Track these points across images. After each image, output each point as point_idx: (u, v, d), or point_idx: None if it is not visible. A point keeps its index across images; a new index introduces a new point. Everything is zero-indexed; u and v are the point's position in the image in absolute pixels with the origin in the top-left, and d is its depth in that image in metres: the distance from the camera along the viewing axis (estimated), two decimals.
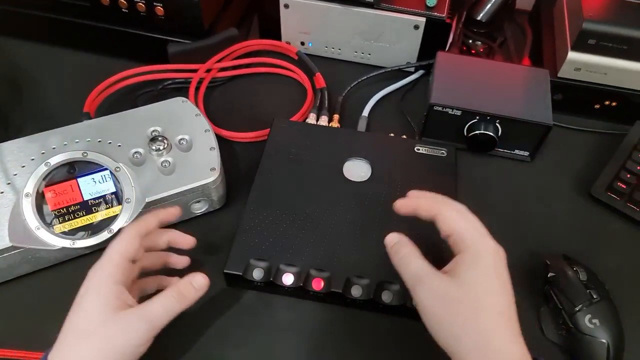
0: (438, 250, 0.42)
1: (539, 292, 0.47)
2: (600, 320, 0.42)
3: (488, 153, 0.57)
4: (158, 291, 0.39)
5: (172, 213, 0.45)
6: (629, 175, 0.53)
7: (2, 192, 0.46)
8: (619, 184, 0.53)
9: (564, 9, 0.61)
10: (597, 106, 0.60)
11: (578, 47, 0.56)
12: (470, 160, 0.57)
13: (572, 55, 0.57)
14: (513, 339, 0.33)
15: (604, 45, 0.55)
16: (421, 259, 0.37)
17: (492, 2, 0.68)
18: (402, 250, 0.38)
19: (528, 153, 0.57)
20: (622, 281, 0.47)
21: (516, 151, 0.57)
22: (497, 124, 0.54)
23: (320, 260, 0.46)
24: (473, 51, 0.68)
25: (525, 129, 0.54)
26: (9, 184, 0.46)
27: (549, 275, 0.46)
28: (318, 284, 0.44)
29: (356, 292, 0.44)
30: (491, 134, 0.54)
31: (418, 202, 0.40)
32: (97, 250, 0.48)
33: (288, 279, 0.44)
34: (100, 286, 0.37)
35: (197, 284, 0.39)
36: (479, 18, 0.69)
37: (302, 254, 0.46)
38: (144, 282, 0.43)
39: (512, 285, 0.35)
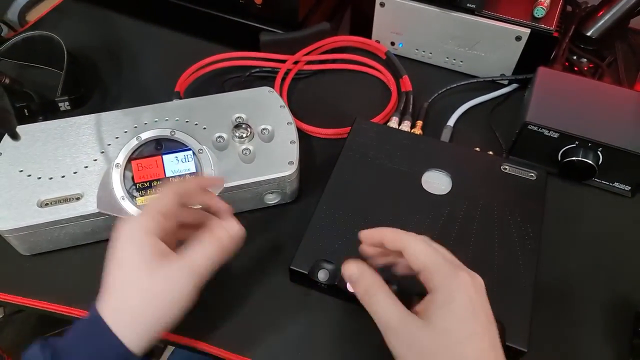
0: None
1: (626, 346, 0.42)
2: None
3: (583, 182, 0.53)
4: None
5: (215, 180, 0.43)
6: None
7: (95, 160, 0.48)
8: None
9: None
10: None
11: None
12: (561, 187, 0.53)
13: None
14: None
15: None
16: (391, 300, 0.33)
17: (606, 18, 0.63)
18: (369, 287, 0.34)
19: (630, 188, 0.52)
20: None
21: (616, 184, 0.52)
22: (598, 152, 0.50)
23: (387, 272, 0.44)
24: (577, 69, 0.63)
25: (630, 160, 0.49)
26: (102, 152, 0.49)
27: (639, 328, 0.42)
28: None
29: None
30: (591, 162, 0.50)
31: (383, 232, 0.37)
32: None
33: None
34: (133, 239, 0.36)
35: (233, 231, 0.37)
36: (588, 34, 0.63)
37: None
38: (183, 233, 0.40)
39: (596, 335, 0.31)
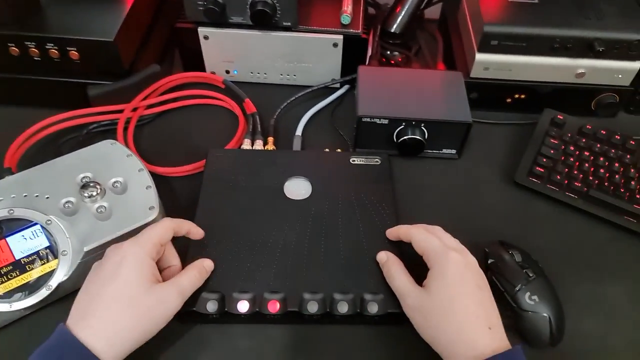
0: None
1: None
2: (539, 296, 0.45)
3: (418, 156, 0.60)
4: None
5: (200, 233, 0.48)
6: (544, 160, 0.58)
7: None
8: (537, 168, 0.57)
9: (467, 15, 0.66)
10: (508, 100, 0.66)
11: (483, 48, 0.60)
12: (404, 164, 0.60)
13: (479, 56, 0.61)
14: (484, 331, 0.39)
15: (505, 45, 0.60)
16: (404, 275, 0.44)
17: (403, 14, 0.73)
18: (387, 265, 0.45)
19: (455, 151, 0.61)
20: (553, 257, 0.51)
21: (444, 150, 0.61)
22: (422, 128, 0.57)
23: (273, 282, 0.46)
24: (392, 62, 0.72)
25: (448, 129, 0.58)
26: None
27: (489, 262, 0.49)
28: (274, 307, 0.44)
29: (312, 307, 0.44)
30: (419, 137, 0.57)
31: (399, 229, 0.48)
32: (38, 310, 0.46)
33: (243, 307, 0.44)
34: (138, 259, 0.40)
35: (208, 266, 0.45)
36: (392, 30, 0.73)
37: (253, 279, 0.46)
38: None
39: None
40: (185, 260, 0.46)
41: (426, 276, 0.43)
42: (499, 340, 0.39)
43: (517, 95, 0.65)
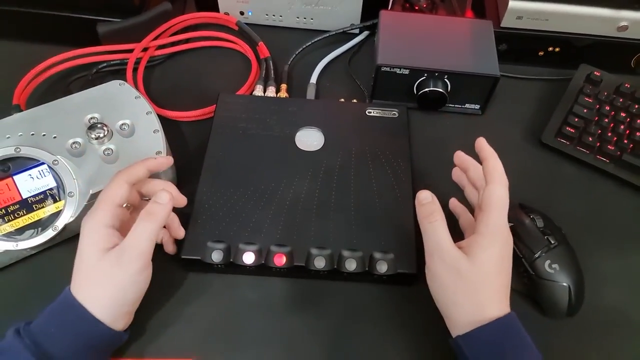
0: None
1: None
2: (560, 264, 0.43)
3: (439, 110, 0.57)
4: None
5: (161, 162, 0.44)
6: (576, 119, 0.54)
7: None
8: (567, 128, 0.54)
9: None
10: (541, 53, 0.61)
11: None
12: (423, 118, 0.57)
13: (512, 3, 0.56)
14: (503, 309, 0.38)
15: None
16: (446, 231, 0.40)
17: None
18: (435, 216, 0.40)
19: (479, 106, 0.57)
20: (577, 224, 0.48)
21: (467, 105, 0.57)
22: (445, 80, 0.54)
23: (280, 235, 0.45)
24: (417, 7, 0.67)
25: (473, 82, 0.54)
26: None
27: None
28: (280, 260, 0.43)
29: (319, 263, 0.43)
30: (441, 90, 0.54)
31: (492, 159, 0.41)
32: (47, 249, 0.46)
33: (249, 258, 0.43)
34: (91, 231, 0.39)
35: (161, 199, 0.40)
36: None
37: (260, 230, 0.45)
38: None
39: None
40: (188, 225, 0.45)
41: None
42: (505, 306, 0.38)
43: (550, 48, 0.60)
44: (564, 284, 0.43)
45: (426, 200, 0.40)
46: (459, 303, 0.38)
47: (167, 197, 0.40)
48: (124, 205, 0.42)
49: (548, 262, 0.43)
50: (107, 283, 0.38)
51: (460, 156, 0.45)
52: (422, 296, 0.41)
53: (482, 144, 0.42)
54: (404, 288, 0.45)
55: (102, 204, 0.40)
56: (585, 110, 0.54)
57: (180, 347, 0.42)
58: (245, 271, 0.45)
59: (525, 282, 0.44)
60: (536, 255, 0.43)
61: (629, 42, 0.58)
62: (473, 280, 0.38)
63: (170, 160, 0.45)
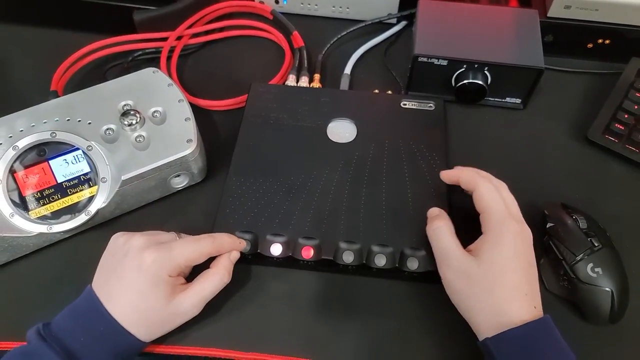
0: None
1: (539, 244, 0.45)
2: (603, 268, 0.41)
3: (478, 103, 0.54)
4: None
5: (241, 246, 0.44)
6: (626, 116, 0.51)
7: None
8: (616, 125, 0.51)
9: None
10: (589, 45, 0.57)
11: None
12: (461, 112, 0.55)
13: None
14: (527, 309, 0.36)
15: None
16: (452, 236, 0.40)
17: None
18: (437, 223, 0.41)
19: (520, 100, 0.55)
20: (624, 226, 0.46)
21: (507, 99, 0.55)
22: (485, 72, 0.51)
23: (309, 227, 0.44)
24: None
25: (515, 74, 0.52)
26: None
27: (547, 226, 0.44)
28: (307, 253, 0.43)
29: (347, 257, 0.42)
30: (480, 82, 0.51)
31: (460, 173, 0.43)
32: (78, 234, 0.47)
33: (276, 250, 0.43)
34: (157, 279, 0.39)
35: (234, 258, 0.42)
36: None
37: (289, 222, 0.44)
38: None
39: None
40: (217, 214, 0.45)
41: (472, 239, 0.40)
42: (533, 308, 0.37)
43: (600, 40, 0.57)
44: (607, 289, 0.40)
45: (434, 212, 0.42)
46: (475, 307, 0.38)
47: (237, 255, 0.43)
48: None
49: (591, 265, 0.41)
50: (162, 324, 0.40)
51: (445, 175, 0.44)
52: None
53: (444, 176, 0.44)
54: (434, 286, 0.43)
55: (179, 260, 0.40)
56: (635, 107, 0.51)
57: (206, 336, 0.42)
58: (272, 263, 0.44)
59: (565, 285, 0.42)
60: (578, 258, 0.41)
61: None
62: (484, 282, 0.37)
63: (246, 245, 0.44)
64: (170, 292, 0.39)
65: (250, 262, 0.44)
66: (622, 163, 0.51)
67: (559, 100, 0.56)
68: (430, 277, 0.42)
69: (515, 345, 0.35)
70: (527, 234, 0.39)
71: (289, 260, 0.43)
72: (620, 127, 0.50)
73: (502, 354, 0.35)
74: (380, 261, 0.42)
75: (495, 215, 0.39)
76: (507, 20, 0.55)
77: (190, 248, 0.40)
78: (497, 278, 0.37)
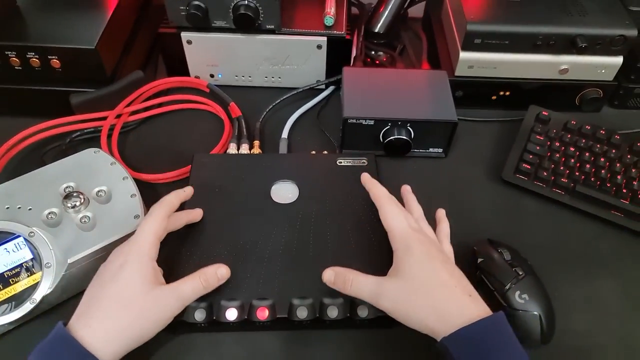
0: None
1: (473, 279, 0.49)
2: (529, 294, 0.45)
3: (405, 155, 0.60)
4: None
5: (189, 193, 0.50)
6: (530, 156, 0.58)
7: None
8: (524, 165, 0.58)
9: (450, 13, 0.66)
10: (494, 97, 0.66)
11: (467, 47, 0.60)
12: (391, 164, 0.60)
13: (463, 55, 0.61)
14: (466, 298, 0.39)
15: (489, 43, 0.60)
16: (364, 276, 0.42)
17: (386, 13, 0.72)
18: (343, 278, 0.42)
19: (442, 149, 0.61)
20: (542, 254, 0.51)
21: (430, 149, 0.61)
22: (408, 128, 0.57)
23: (262, 288, 0.45)
24: (377, 62, 0.72)
25: (434, 128, 0.58)
26: None
27: (478, 261, 0.49)
28: (263, 314, 0.44)
29: (302, 313, 0.44)
30: (405, 137, 0.57)
31: (372, 188, 0.48)
32: (24, 324, 0.45)
33: (231, 314, 0.44)
34: (139, 261, 0.41)
35: (221, 274, 0.44)
36: (376, 30, 0.72)
37: (242, 286, 0.45)
38: (173, 221, 0.47)
39: None
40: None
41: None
42: (483, 307, 0.39)
43: (502, 93, 0.65)
44: (535, 313, 0.44)
45: (331, 277, 0.43)
46: (423, 318, 0.39)
47: (227, 275, 0.44)
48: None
49: (518, 292, 0.45)
50: (143, 318, 0.40)
51: (363, 179, 0.50)
52: (405, 336, 0.42)
53: (364, 178, 0.50)
54: (387, 330, 0.46)
55: (147, 236, 0.42)
56: (537, 148, 0.59)
57: None
58: (229, 328, 0.45)
59: None
60: (507, 287, 0.45)
61: (571, 82, 0.64)
62: (417, 291, 0.40)
63: (191, 190, 0.50)
64: (152, 277, 0.41)
65: (207, 329, 0.45)
66: (534, 198, 0.57)
67: (475, 147, 0.63)
68: (382, 322, 0.45)
69: (468, 341, 0.37)
70: (431, 239, 0.44)
71: (246, 323, 0.44)
72: (527, 166, 0.57)
73: (456, 349, 0.36)
74: (333, 313, 0.44)
75: (398, 231, 0.43)
76: (421, 81, 0.62)
77: (149, 221, 0.43)
78: (424, 282, 0.40)
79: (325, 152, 0.60)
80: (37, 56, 0.57)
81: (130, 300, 0.40)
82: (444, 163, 0.61)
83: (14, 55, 0.57)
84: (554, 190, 0.57)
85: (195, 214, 0.49)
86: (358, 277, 0.42)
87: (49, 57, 0.57)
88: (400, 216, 0.44)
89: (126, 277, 0.40)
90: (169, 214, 0.45)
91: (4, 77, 0.59)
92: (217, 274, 0.44)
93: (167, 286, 0.41)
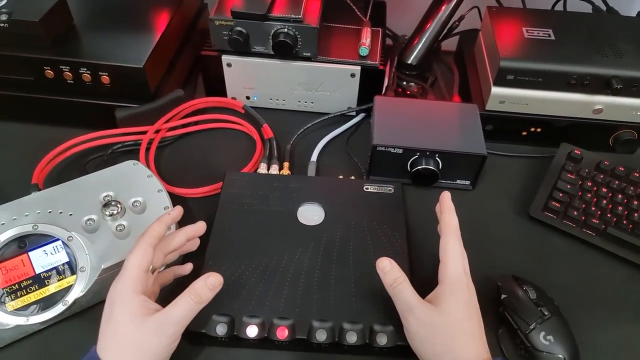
0: None
1: (496, 315, 0.49)
2: (554, 336, 0.44)
3: (432, 185, 0.60)
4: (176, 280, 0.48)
5: (175, 215, 0.47)
6: (561, 195, 0.58)
7: None
8: (553, 203, 0.57)
9: (483, 48, 0.67)
10: (524, 133, 0.66)
11: (499, 82, 0.61)
12: (417, 193, 0.60)
13: (495, 90, 0.62)
14: (482, 356, 0.40)
15: (521, 80, 0.60)
16: (411, 288, 0.43)
17: (420, 46, 0.74)
18: (392, 275, 0.43)
19: (469, 182, 0.61)
20: (568, 295, 0.50)
21: (458, 181, 0.61)
22: (437, 158, 0.58)
23: (283, 308, 0.46)
24: (408, 92, 0.73)
25: (463, 160, 0.58)
26: None
27: (502, 297, 0.48)
28: (282, 333, 0.45)
29: (320, 336, 0.45)
30: (432, 168, 0.57)
31: (448, 214, 0.46)
32: (55, 324, 0.47)
33: (252, 331, 0.45)
34: (124, 298, 0.41)
35: (211, 284, 0.42)
36: (409, 62, 0.74)
37: (263, 303, 0.46)
38: (162, 277, 0.48)
39: None
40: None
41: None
42: (484, 351, 0.41)
43: (533, 129, 0.65)
44: (560, 356, 0.44)
45: (387, 268, 0.44)
46: (440, 353, 0.40)
47: (218, 282, 0.42)
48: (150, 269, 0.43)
49: (543, 333, 0.44)
50: (145, 351, 0.40)
51: (443, 199, 0.48)
52: None
53: (443, 197, 0.48)
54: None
55: (131, 271, 0.42)
56: (568, 186, 0.58)
57: None
58: (248, 344, 0.46)
59: (522, 354, 0.45)
60: (531, 327, 0.45)
61: (605, 123, 0.63)
62: (447, 328, 0.41)
63: (180, 209, 0.48)
64: (141, 310, 0.40)
65: (227, 344, 0.46)
66: (562, 237, 0.57)
67: (503, 181, 0.63)
68: (400, 351, 0.45)
69: None
70: (472, 287, 0.44)
71: (265, 341, 0.45)
72: (557, 204, 0.57)
73: None
74: (352, 338, 0.44)
75: (452, 270, 0.43)
76: (452, 113, 0.63)
77: (133, 255, 0.42)
78: (457, 324, 0.41)
79: (353, 177, 0.61)
80: (88, 72, 0.60)
81: (126, 338, 0.40)
82: (471, 195, 0.61)
83: (67, 70, 0.61)
84: (584, 230, 0.56)
85: (185, 268, 0.49)
86: (406, 284, 0.43)
87: (100, 73, 0.60)
88: (460, 257, 0.44)
89: (117, 317, 0.40)
90: (154, 243, 0.43)
91: (57, 89, 0.63)
92: (207, 284, 0.42)
93: (158, 314, 0.40)
